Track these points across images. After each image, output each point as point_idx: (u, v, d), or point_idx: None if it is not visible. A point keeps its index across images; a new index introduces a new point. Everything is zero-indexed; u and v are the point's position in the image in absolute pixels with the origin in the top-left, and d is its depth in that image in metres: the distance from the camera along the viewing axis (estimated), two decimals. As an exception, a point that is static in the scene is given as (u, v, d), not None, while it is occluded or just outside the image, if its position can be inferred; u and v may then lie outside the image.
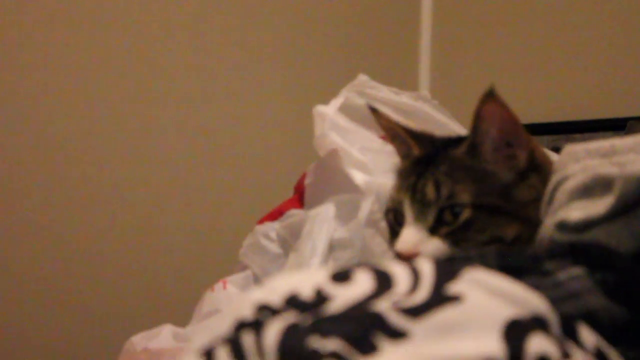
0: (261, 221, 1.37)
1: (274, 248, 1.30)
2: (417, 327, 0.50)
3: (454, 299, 0.52)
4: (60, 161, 1.94)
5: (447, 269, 0.56)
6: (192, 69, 2.16)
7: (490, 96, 0.90)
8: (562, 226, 0.69)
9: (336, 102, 1.36)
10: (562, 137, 2.28)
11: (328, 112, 1.33)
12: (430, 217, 0.94)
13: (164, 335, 1.27)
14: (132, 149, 2.04)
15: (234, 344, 0.51)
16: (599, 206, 0.67)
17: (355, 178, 1.24)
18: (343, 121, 1.33)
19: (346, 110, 1.36)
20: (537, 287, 0.56)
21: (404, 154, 1.07)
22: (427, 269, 0.56)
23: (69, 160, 1.95)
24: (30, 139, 1.89)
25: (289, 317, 0.52)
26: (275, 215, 1.37)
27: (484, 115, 0.93)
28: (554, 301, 0.55)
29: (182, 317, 1.35)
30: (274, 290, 0.55)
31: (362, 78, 1.43)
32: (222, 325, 0.53)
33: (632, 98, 2.22)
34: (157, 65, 2.09)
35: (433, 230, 0.94)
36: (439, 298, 0.53)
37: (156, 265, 2.06)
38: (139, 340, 1.27)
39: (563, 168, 0.76)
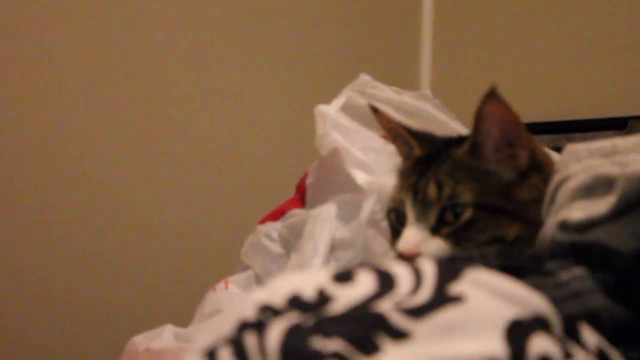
0: (263, 221, 1.37)
1: (276, 248, 1.30)
2: (419, 328, 0.50)
3: (456, 299, 0.52)
4: (61, 161, 1.94)
5: (449, 270, 0.56)
6: (193, 69, 2.16)
7: (491, 96, 0.90)
8: (564, 226, 0.69)
9: (338, 102, 1.36)
10: (562, 136, 2.28)
11: (329, 111, 1.33)
12: (432, 217, 0.94)
13: (165, 336, 1.27)
14: (133, 149, 2.04)
15: (236, 344, 0.51)
16: (600, 206, 0.67)
17: (356, 178, 1.24)
18: (344, 121, 1.33)
19: (348, 109, 1.36)
20: (538, 287, 0.56)
21: (405, 154, 1.07)
22: (429, 270, 0.56)
23: (70, 160, 1.95)
24: (30, 140, 1.89)
25: (292, 318, 0.52)
26: (276, 215, 1.37)
27: (485, 115, 0.93)
28: (556, 301, 0.55)
29: (184, 317, 1.35)
30: (276, 291, 0.55)
31: (364, 77, 1.43)
32: (224, 326, 0.53)
33: (632, 97, 2.22)
34: (157, 65, 2.09)
35: (435, 230, 0.94)
36: (441, 298, 0.53)
37: (158, 265, 2.06)
38: (140, 341, 1.27)
39: (564, 168, 0.76)
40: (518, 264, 0.63)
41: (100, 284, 1.97)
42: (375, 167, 1.26)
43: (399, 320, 0.51)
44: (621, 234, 0.64)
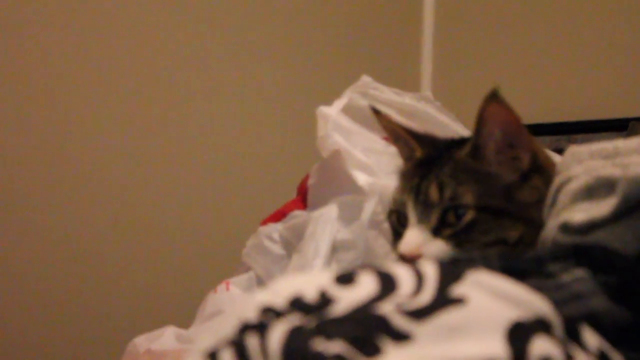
0: (264, 222, 1.37)
1: (277, 249, 1.30)
2: (421, 330, 0.51)
3: (457, 301, 0.52)
4: (62, 162, 1.94)
5: (450, 271, 0.56)
6: (193, 70, 2.16)
7: (493, 97, 0.90)
8: (565, 228, 0.69)
9: (339, 103, 1.37)
10: (564, 138, 2.28)
11: (331, 113, 1.33)
12: (434, 218, 0.94)
13: (166, 337, 1.27)
14: (134, 150, 2.04)
15: (238, 346, 0.51)
16: (602, 208, 0.67)
17: (358, 179, 1.24)
18: (346, 122, 1.33)
19: (349, 111, 1.36)
20: (540, 289, 0.56)
21: (406, 156, 1.07)
22: (430, 271, 0.56)
23: (71, 161, 1.95)
24: (31, 140, 1.89)
25: (293, 320, 0.52)
26: (278, 216, 1.37)
27: (487, 117, 0.93)
28: (557, 303, 0.55)
29: (185, 318, 1.35)
30: (278, 293, 0.55)
31: (365, 79, 1.43)
32: (226, 328, 0.53)
33: (634, 98, 2.22)
34: (159, 66, 2.09)
35: (436, 232, 0.94)
36: (443, 300, 0.53)
37: (159, 266, 2.06)
38: (141, 342, 1.27)
39: (566, 169, 0.76)
40: (519, 265, 0.63)
41: (101, 284, 1.97)
42: (377, 169, 1.26)
43: (400, 322, 0.51)
44: (622, 236, 0.64)
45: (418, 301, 0.53)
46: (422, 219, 0.94)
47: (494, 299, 0.53)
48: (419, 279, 0.55)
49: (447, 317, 0.51)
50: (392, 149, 1.14)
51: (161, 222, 2.08)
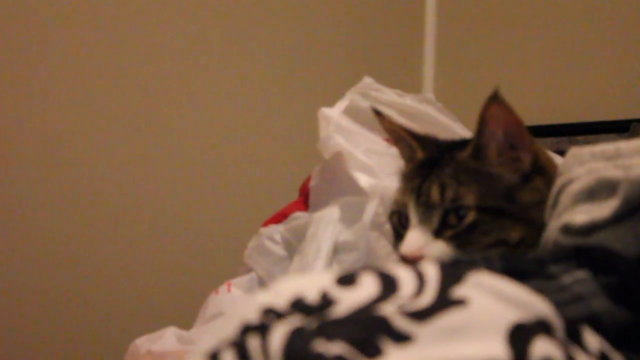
0: (266, 224, 1.37)
1: (279, 250, 1.30)
2: (422, 331, 0.51)
3: (458, 302, 0.52)
4: (63, 163, 1.94)
5: (452, 273, 0.56)
6: (195, 72, 2.16)
7: (494, 99, 0.90)
8: (567, 229, 0.69)
9: (341, 105, 1.37)
10: (565, 139, 2.29)
11: (333, 114, 1.33)
12: (435, 219, 0.94)
13: (167, 338, 1.27)
14: (135, 151, 2.05)
15: (239, 347, 0.51)
16: (603, 209, 0.67)
17: (359, 180, 1.24)
18: (348, 124, 1.33)
19: (351, 112, 1.36)
20: (541, 290, 0.56)
21: (408, 157, 1.07)
22: (432, 273, 0.56)
23: (72, 162, 1.95)
24: (31, 141, 1.90)
25: (294, 321, 0.52)
26: (279, 217, 1.37)
27: (488, 118, 0.93)
28: (559, 305, 0.55)
29: (186, 319, 1.35)
30: (280, 294, 0.55)
31: (367, 80, 1.43)
32: (227, 329, 0.54)
33: (635, 100, 2.22)
34: (160, 67, 2.09)
35: (438, 233, 0.94)
36: (444, 302, 0.53)
37: (160, 267, 2.06)
38: (142, 343, 1.27)
39: (567, 171, 0.76)
40: (521, 267, 0.63)
41: (102, 286, 1.97)
42: (378, 170, 1.26)
43: (401, 323, 0.51)
44: (624, 237, 0.64)
45: (419, 302, 0.53)
46: (424, 220, 0.94)
47: (495, 300, 0.53)
48: (420, 280, 0.55)
49: (448, 319, 0.51)
50: (394, 150, 1.14)
51: (162, 223, 2.08)
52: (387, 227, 1.09)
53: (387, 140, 1.30)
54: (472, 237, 0.92)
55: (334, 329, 0.51)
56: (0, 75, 1.85)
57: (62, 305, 1.92)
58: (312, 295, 0.54)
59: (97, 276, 1.97)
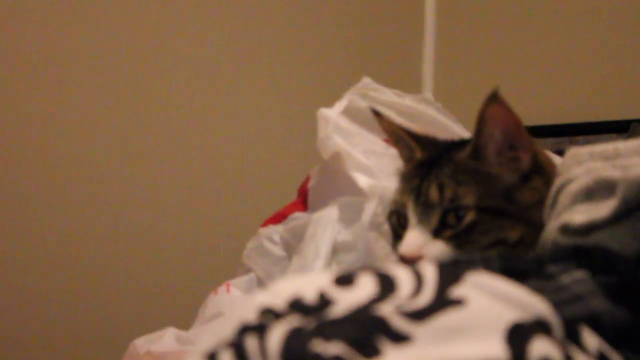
0: (265, 224, 1.37)
1: (278, 251, 1.30)
2: (420, 331, 0.50)
3: (457, 302, 0.52)
4: (63, 164, 1.94)
5: (450, 273, 0.56)
6: (193, 72, 2.16)
7: (493, 99, 0.90)
8: (565, 229, 0.69)
9: (340, 105, 1.37)
10: (565, 140, 2.29)
11: (331, 115, 1.33)
12: (434, 219, 0.94)
13: (167, 339, 1.27)
14: (134, 152, 2.05)
15: (237, 347, 0.51)
16: (602, 209, 0.67)
17: (358, 181, 1.24)
18: (346, 124, 1.33)
19: (350, 113, 1.36)
20: (540, 290, 0.56)
21: (406, 157, 1.07)
22: (430, 273, 0.56)
23: (72, 163, 1.95)
24: (32, 142, 1.90)
25: (293, 321, 0.52)
26: (278, 218, 1.37)
27: (487, 118, 0.93)
28: (557, 304, 0.55)
29: (186, 320, 1.35)
30: (278, 294, 0.55)
31: (366, 81, 1.43)
32: (225, 329, 0.53)
33: (635, 100, 2.22)
34: (158, 67, 2.09)
35: (436, 233, 0.94)
36: (442, 302, 0.53)
37: (159, 268, 2.06)
38: (142, 343, 1.27)
39: (566, 171, 0.76)
40: (519, 267, 0.63)
41: (101, 286, 1.97)
42: (377, 171, 1.26)
43: (399, 323, 0.51)
44: (622, 237, 0.64)
45: (417, 302, 0.53)
46: (423, 220, 0.94)
47: (493, 300, 0.53)
48: (418, 280, 0.55)
49: (446, 319, 0.51)
50: (393, 151, 1.14)
51: (161, 223, 2.08)
52: (386, 227, 1.09)
53: (386, 140, 1.30)
54: (471, 237, 0.92)
55: (332, 329, 0.51)
56: (0, 75, 1.85)
57: (61, 305, 1.92)
58: (310, 296, 0.54)
59: (96, 276, 1.97)
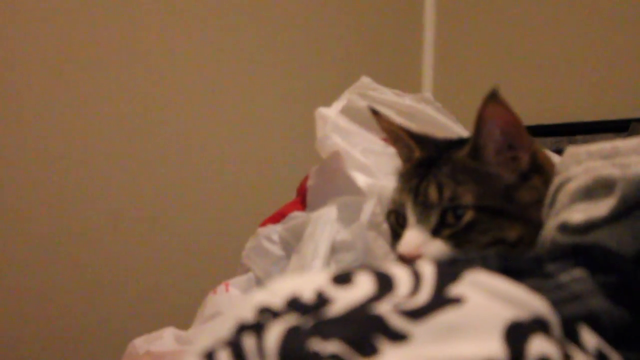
0: (263, 224, 1.37)
1: (277, 250, 1.29)
2: (418, 329, 0.50)
3: (455, 301, 0.52)
4: (62, 163, 1.94)
5: (448, 271, 0.56)
6: (192, 71, 2.16)
7: (492, 98, 0.90)
8: (564, 228, 0.69)
9: (338, 105, 1.36)
10: (564, 139, 2.28)
11: (330, 114, 1.33)
12: (433, 218, 0.94)
13: (166, 338, 1.27)
14: (134, 151, 2.04)
15: (235, 346, 0.51)
16: (600, 208, 0.67)
17: (357, 180, 1.24)
18: (345, 123, 1.33)
19: (348, 112, 1.36)
20: (538, 289, 0.56)
21: (405, 157, 1.07)
22: (428, 271, 0.56)
23: (71, 162, 1.95)
24: (32, 142, 1.89)
25: (290, 320, 0.52)
26: (277, 217, 1.37)
27: (486, 117, 0.93)
28: (556, 303, 0.55)
29: (185, 319, 1.35)
30: (275, 293, 0.55)
31: (365, 80, 1.43)
32: (223, 328, 0.53)
33: (634, 99, 2.22)
34: (157, 67, 2.09)
35: (435, 232, 0.94)
36: (440, 300, 0.53)
37: (158, 267, 2.06)
38: (141, 343, 1.27)
39: (565, 170, 0.76)
40: (518, 265, 0.62)
41: (100, 286, 1.97)
42: (376, 170, 1.26)
43: (397, 322, 0.51)
44: (621, 236, 0.63)
45: (415, 301, 0.53)
46: (421, 220, 0.94)
47: (491, 298, 0.53)
48: (416, 279, 0.55)
49: (444, 317, 0.51)
50: (391, 150, 1.14)
51: (160, 223, 2.08)
52: (385, 226, 1.09)
53: (385, 139, 1.30)
54: (470, 236, 0.92)
55: (329, 328, 0.50)
56: (0, 75, 1.85)
57: (60, 305, 1.92)
58: (308, 295, 0.54)
59: (95, 276, 1.96)
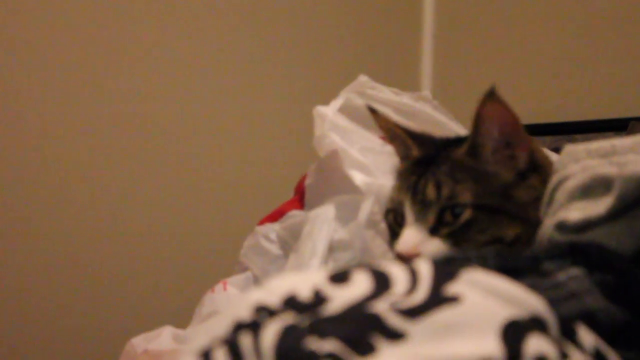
0: (261, 222, 1.37)
1: (274, 249, 1.29)
2: (415, 328, 0.50)
3: (452, 299, 0.52)
4: (61, 163, 1.94)
5: (445, 270, 0.55)
6: (192, 71, 2.16)
7: (491, 96, 0.90)
8: (562, 226, 0.69)
9: (336, 103, 1.36)
10: (563, 138, 2.28)
11: (328, 112, 1.33)
12: (431, 217, 0.94)
13: (164, 337, 1.27)
14: (132, 150, 2.04)
15: (231, 345, 0.51)
16: (598, 206, 0.67)
17: (355, 179, 1.23)
18: (343, 122, 1.33)
19: (346, 110, 1.36)
20: (535, 287, 0.56)
21: (403, 155, 1.07)
22: (425, 270, 0.56)
23: (71, 162, 1.95)
24: (31, 142, 1.89)
25: (287, 318, 0.52)
26: (275, 216, 1.37)
27: (484, 116, 0.93)
28: (553, 302, 0.55)
29: (183, 318, 1.35)
30: (272, 291, 0.55)
31: (363, 79, 1.42)
32: (219, 326, 0.53)
33: (633, 98, 2.22)
34: (156, 66, 2.09)
35: (433, 231, 0.94)
36: (437, 299, 0.52)
37: (156, 266, 2.06)
38: (139, 342, 1.27)
39: (563, 168, 0.76)
40: (515, 264, 0.62)
41: (98, 285, 1.97)
42: (374, 168, 1.26)
43: (394, 320, 0.51)
44: (619, 235, 0.63)
45: (412, 300, 0.53)
46: (420, 218, 0.94)
47: (488, 297, 0.53)
48: (413, 277, 0.55)
49: (441, 316, 0.51)
50: (389, 149, 1.14)
51: (158, 222, 2.08)
52: (383, 225, 1.09)
53: (383, 138, 1.30)
54: (467, 235, 0.92)
55: (326, 326, 0.50)
56: (0, 75, 1.85)
57: (58, 304, 1.92)
58: (304, 293, 0.54)
59: (93, 275, 1.96)
